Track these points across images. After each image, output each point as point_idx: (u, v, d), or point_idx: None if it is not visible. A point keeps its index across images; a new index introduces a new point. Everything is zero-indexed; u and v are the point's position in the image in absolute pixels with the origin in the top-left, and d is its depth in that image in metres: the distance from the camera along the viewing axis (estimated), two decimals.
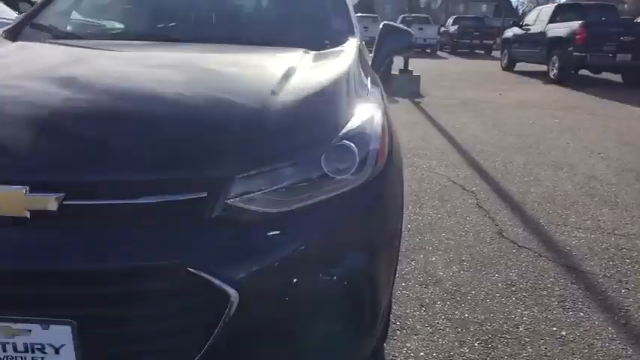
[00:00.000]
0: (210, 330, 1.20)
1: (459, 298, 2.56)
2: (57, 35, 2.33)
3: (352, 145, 1.45)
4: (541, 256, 3.03)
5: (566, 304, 2.53)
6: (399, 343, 2.20)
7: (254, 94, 1.55)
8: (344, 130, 1.47)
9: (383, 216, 1.53)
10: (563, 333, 2.30)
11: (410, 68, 9.81)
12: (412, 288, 2.64)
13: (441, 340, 2.23)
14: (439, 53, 22.09)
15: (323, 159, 1.40)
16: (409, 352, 2.15)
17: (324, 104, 1.57)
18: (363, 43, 2.22)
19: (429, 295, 2.59)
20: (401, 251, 3.02)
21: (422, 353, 2.14)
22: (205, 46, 2.13)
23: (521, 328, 2.32)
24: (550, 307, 2.49)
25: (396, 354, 2.13)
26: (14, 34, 2.28)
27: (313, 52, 1.98)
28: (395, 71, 9.66)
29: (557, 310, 2.47)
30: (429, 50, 22.11)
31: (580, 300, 2.56)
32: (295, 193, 1.35)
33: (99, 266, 1.14)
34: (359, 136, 1.49)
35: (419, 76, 9.72)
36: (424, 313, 2.42)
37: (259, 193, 1.30)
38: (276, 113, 1.46)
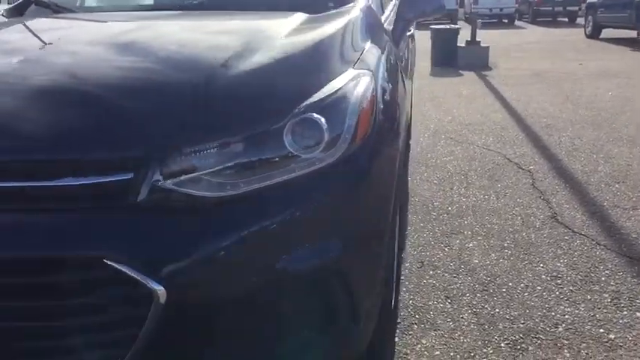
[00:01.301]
0: (134, 331, 1.06)
1: (491, 291, 2.27)
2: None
3: (320, 118, 1.23)
4: (599, 245, 2.64)
5: (621, 302, 2.17)
6: (413, 339, 1.97)
7: (204, 63, 1.37)
8: (311, 100, 1.26)
9: (361, 202, 1.30)
10: (612, 336, 1.96)
11: (478, 39, 9.16)
12: (440, 277, 2.39)
13: (462, 337, 1.98)
14: (517, 23, 20.59)
15: (286, 133, 1.21)
16: (423, 349, 1.92)
17: (291, 72, 1.36)
18: (372, 5, 1.96)
19: (457, 285, 2.32)
20: (435, 236, 2.79)
21: (437, 352, 1.90)
22: (196, 13, 1.99)
23: (560, 328, 2.01)
24: (600, 305, 2.15)
25: (408, 351, 1.92)
26: None
27: (310, 16, 1.76)
28: (461, 43, 9.07)
29: (608, 309, 2.12)
30: (505, 20, 20.66)
31: (639, 299, 2.19)
32: (245, 174, 1.16)
33: (4, 255, 1.03)
34: (332, 107, 1.28)
35: (487, 47, 9.06)
36: (449, 306, 2.17)
37: (198, 174, 1.13)
38: (224, 83, 1.27)
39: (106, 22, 1.98)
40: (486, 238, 2.76)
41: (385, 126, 1.45)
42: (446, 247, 2.67)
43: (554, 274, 2.39)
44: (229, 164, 1.15)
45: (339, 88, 1.32)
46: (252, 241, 1.14)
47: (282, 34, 1.54)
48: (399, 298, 2.22)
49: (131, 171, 1.10)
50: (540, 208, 3.10)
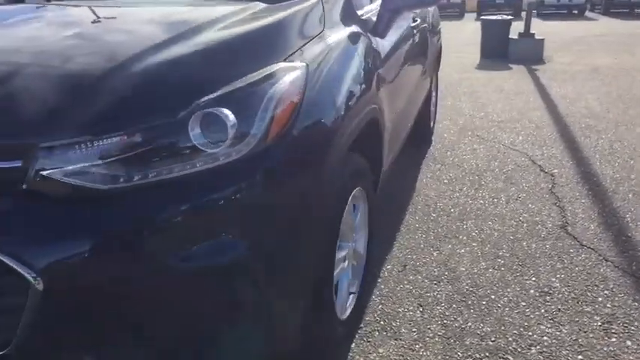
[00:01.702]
0: (16, 320, 1.05)
1: (469, 302, 2.12)
2: None
3: (227, 112, 1.16)
4: (605, 261, 2.41)
5: (613, 327, 1.96)
6: (370, 347, 1.88)
7: (109, 53, 1.32)
8: (218, 93, 1.19)
9: (271, 203, 1.22)
10: None
11: (533, 31, 8.65)
12: (419, 283, 2.26)
13: (423, 350, 1.86)
14: (588, 14, 19.32)
15: (192, 127, 1.15)
16: (377, 358, 1.82)
17: (204, 64, 1.29)
18: None
19: (435, 293, 2.19)
20: (427, 238, 2.64)
21: None
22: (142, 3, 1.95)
23: (533, 350, 1.85)
24: (588, 329, 1.95)
25: (361, 359, 1.82)
26: None
27: (266, 6, 1.67)
28: (514, 35, 8.59)
29: (595, 334, 1.92)
30: (575, 11, 19.41)
31: (635, 325, 1.97)
32: (141, 166, 1.11)
33: None
34: (241, 101, 1.20)
35: (542, 39, 8.52)
36: (418, 315, 2.05)
37: (86, 165, 1.09)
38: (126, 74, 1.22)
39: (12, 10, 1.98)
40: (481, 244, 2.59)
41: (319, 125, 1.37)
42: (435, 251, 2.53)
43: (545, 289, 2.21)
44: (122, 156, 1.11)
45: (253, 82, 1.24)
46: (140, 235, 1.09)
47: (215, 25, 1.46)
48: (368, 301, 2.12)
49: (19, 158, 1.08)
50: (551, 216, 2.87)
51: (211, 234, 1.15)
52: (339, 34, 1.68)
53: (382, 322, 2.01)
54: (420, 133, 3.99)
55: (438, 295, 2.18)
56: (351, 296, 1.93)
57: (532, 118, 4.90)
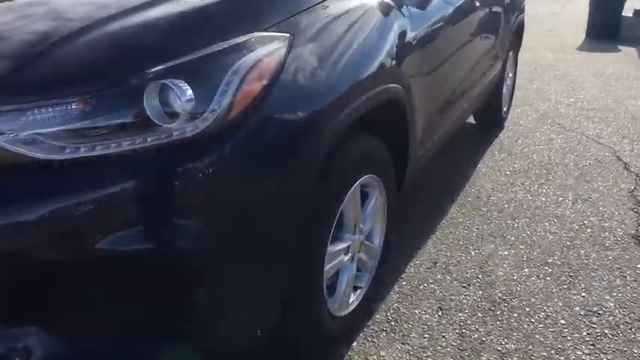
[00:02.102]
0: None
1: (498, 313, 1.88)
2: None
3: (179, 82, 1.05)
4: None
5: None
6: (372, 348, 1.72)
7: (64, 16, 1.24)
8: (174, 62, 1.08)
9: (226, 187, 1.11)
10: None
11: None
12: (445, 284, 2.04)
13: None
14: None
15: (146, 98, 1.05)
16: None
17: (164, 31, 1.17)
18: None
19: (461, 298, 1.97)
20: (469, 235, 2.38)
21: None
22: None
23: None
24: None
25: (359, 359, 1.68)
26: None
27: None
28: (628, 12, 7.60)
29: None
30: None
31: None
32: (85, 138, 1.04)
33: None
34: (202, 72, 1.09)
35: None
36: (435, 320, 1.85)
37: (31, 132, 1.03)
38: (76, 40, 1.13)
39: None
40: (530, 248, 2.29)
41: (301, 105, 1.22)
42: (474, 250, 2.28)
43: (595, 309, 1.90)
44: (68, 126, 1.04)
45: (217, 52, 1.11)
46: (82, 210, 1.03)
47: None
48: (384, 298, 1.95)
49: None
50: (624, 223, 2.48)
51: (152, 214, 1.06)
52: (342, 2, 1.49)
53: (393, 323, 1.84)
54: (487, 120, 3.64)
55: (464, 300, 1.95)
56: (359, 291, 1.78)
57: (629, 108, 4.30)
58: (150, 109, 1.05)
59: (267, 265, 1.23)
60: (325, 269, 1.49)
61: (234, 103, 1.09)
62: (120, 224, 1.05)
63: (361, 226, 1.68)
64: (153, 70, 1.07)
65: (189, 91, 1.06)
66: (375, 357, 1.69)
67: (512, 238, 2.38)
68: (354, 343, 1.74)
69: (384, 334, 1.79)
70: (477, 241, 2.35)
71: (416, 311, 1.90)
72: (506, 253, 2.26)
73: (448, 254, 2.25)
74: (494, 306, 1.92)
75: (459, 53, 2.33)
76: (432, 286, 2.04)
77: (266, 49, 1.16)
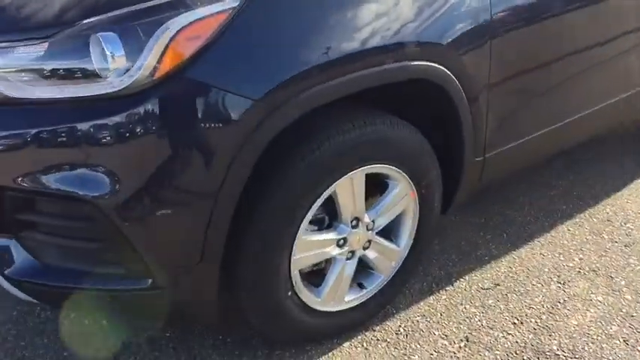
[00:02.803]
0: None
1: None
2: None
3: (108, 35, 1.04)
4: None
5: None
6: (362, 355, 1.53)
7: None
8: (106, 15, 1.06)
9: (146, 146, 1.08)
10: None
11: None
12: (493, 313, 1.69)
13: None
14: None
15: (74, 48, 1.07)
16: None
17: None
18: None
19: (500, 335, 1.60)
20: (568, 264, 1.89)
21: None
22: None
23: None
24: None
25: None
26: None
27: None
28: None
29: None
30: None
31: None
32: (13, 84, 1.10)
33: None
34: (132, 27, 1.05)
35: None
36: (451, 351, 1.55)
37: None
38: None
39: None
40: (638, 301, 1.73)
41: (241, 72, 1.09)
42: (558, 283, 1.82)
43: None
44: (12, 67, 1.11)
45: (150, 7, 1.06)
46: (19, 146, 1.11)
47: None
48: (410, 308, 1.71)
49: None
50: None
51: (80, 162, 1.09)
52: None
53: (402, 337, 1.60)
54: None
55: (503, 340, 1.59)
56: (364, 291, 1.58)
57: None
58: (80, 61, 1.07)
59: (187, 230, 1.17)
60: (298, 256, 1.35)
61: (162, 62, 1.04)
62: (51, 166, 1.11)
63: (367, 220, 1.47)
64: (84, 22, 1.06)
65: (117, 46, 1.03)
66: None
67: (622, 282, 1.82)
68: (346, 344, 1.58)
69: (384, 345, 1.58)
70: (570, 272, 1.87)
71: (436, 332, 1.62)
72: (599, 298, 1.75)
73: (520, 279, 1.84)
74: (539, 359, 1.53)
75: (589, 41, 1.78)
76: (474, 310, 1.70)
77: (209, 9, 1.06)
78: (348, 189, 1.37)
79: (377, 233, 1.54)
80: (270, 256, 1.30)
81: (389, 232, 1.62)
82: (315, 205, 1.32)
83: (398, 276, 1.64)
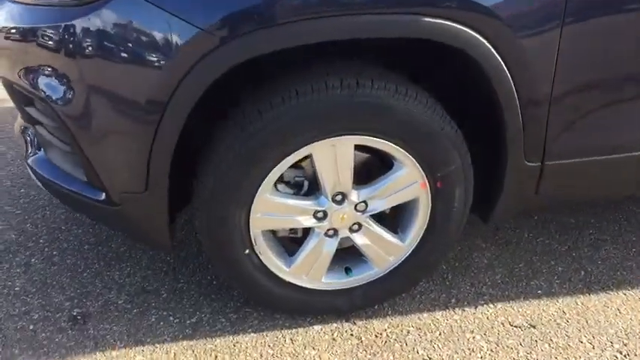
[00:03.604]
0: None
1: None
2: None
3: None
4: None
5: None
6: (318, 344, 1.38)
7: None
8: None
9: (90, 59, 1.06)
10: None
11: None
12: (508, 329, 1.35)
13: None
14: None
15: None
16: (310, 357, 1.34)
17: None
18: None
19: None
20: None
21: None
22: None
23: None
24: None
25: (291, 345, 1.39)
26: None
27: None
28: None
29: None
30: None
31: None
32: None
33: None
34: None
35: None
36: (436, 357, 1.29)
37: None
38: None
39: None
40: None
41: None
42: (594, 342, 1.37)
43: None
44: None
45: None
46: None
47: None
48: (411, 312, 1.47)
49: None
50: None
51: (44, 66, 1.14)
52: None
53: (379, 342, 1.39)
54: None
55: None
56: (350, 278, 1.40)
57: None
58: None
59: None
60: (259, 214, 1.24)
61: None
62: (29, 67, 1.18)
63: (354, 198, 1.27)
64: None
65: None
66: (309, 352, 1.36)
67: None
68: (317, 326, 1.43)
69: (355, 342, 1.39)
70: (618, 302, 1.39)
71: (420, 351, 1.37)
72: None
73: (567, 330, 1.43)
74: None
75: None
76: (483, 345, 1.39)
77: None
78: (329, 157, 1.19)
79: (375, 219, 1.33)
80: (222, 205, 1.21)
81: (396, 223, 1.39)
82: (283, 163, 1.18)
83: (399, 274, 1.41)
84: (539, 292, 1.56)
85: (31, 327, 1.41)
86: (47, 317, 1.44)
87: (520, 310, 1.50)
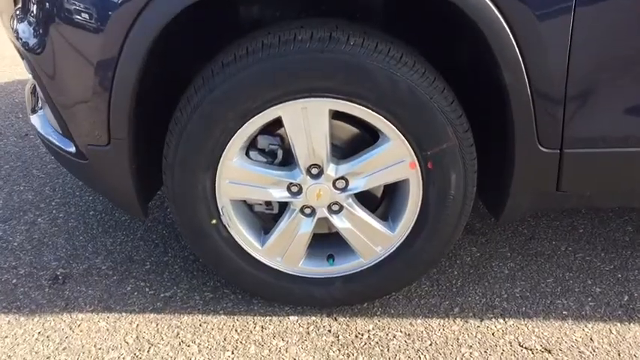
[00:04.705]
0: None
1: None
2: None
3: None
4: None
5: None
6: (283, 336, 1.24)
7: None
8: None
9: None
10: None
11: None
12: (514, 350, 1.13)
13: None
14: None
15: None
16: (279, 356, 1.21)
17: None
18: None
19: None
20: None
21: None
22: None
23: None
24: None
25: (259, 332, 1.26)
26: None
27: None
28: None
29: None
30: None
31: None
32: None
33: None
34: None
35: None
36: None
37: None
38: None
39: None
40: None
41: None
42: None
43: None
44: None
45: None
46: None
47: None
48: (386, 314, 1.29)
49: None
50: None
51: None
52: None
53: (357, 344, 1.22)
54: None
55: None
56: (330, 266, 1.26)
57: None
58: None
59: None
60: (226, 181, 1.14)
61: None
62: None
63: (331, 172, 1.13)
64: None
65: None
66: (259, 343, 1.23)
67: None
68: (294, 317, 1.30)
69: (330, 340, 1.23)
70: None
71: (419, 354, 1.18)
72: None
73: (581, 349, 1.17)
74: None
75: None
76: (467, 349, 1.17)
77: None
78: (300, 122, 1.07)
79: (360, 202, 1.18)
80: (187, 168, 1.12)
81: (387, 209, 1.23)
82: (249, 125, 1.08)
83: (387, 269, 1.24)
84: (565, 312, 1.30)
85: (14, 281, 1.41)
86: (32, 273, 1.44)
87: (536, 330, 1.26)
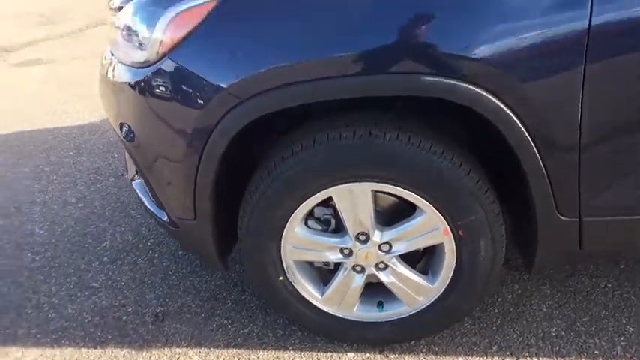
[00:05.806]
0: None
1: None
2: None
3: (138, 21, 1.28)
4: None
5: None
6: None
7: None
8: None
9: (145, 108, 1.30)
10: None
11: None
12: None
13: None
14: None
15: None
16: None
17: None
18: None
19: None
20: None
21: None
22: None
23: None
24: None
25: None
26: None
27: None
28: None
29: None
30: None
31: None
32: None
33: None
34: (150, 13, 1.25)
35: None
36: None
37: None
38: None
39: None
40: None
41: (214, 61, 1.17)
42: None
43: None
44: None
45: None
46: None
47: None
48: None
49: None
50: None
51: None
52: None
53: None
54: None
55: None
56: (381, 312, 1.46)
57: None
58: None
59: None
60: (289, 247, 1.37)
61: (162, 44, 1.22)
62: None
63: (377, 239, 1.33)
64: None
65: (142, 27, 1.27)
66: None
67: None
68: (351, 354, 1.52)
69: None
70: None
71: None
72: None
73: None
74: None
75: None
76: None
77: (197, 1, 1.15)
78: (347, 200, 1.28)
79: (404, 261, 1.38)
80: (256, 237, 1.37)
81: (428, 264, 1.42)
82: (307, 204, 1.30)
83: (428, 316, 1.43)
84: (596, 352, 1.43)
85: (124, 318, 1.74)
86: (137, 311, 1.76)
87: None
